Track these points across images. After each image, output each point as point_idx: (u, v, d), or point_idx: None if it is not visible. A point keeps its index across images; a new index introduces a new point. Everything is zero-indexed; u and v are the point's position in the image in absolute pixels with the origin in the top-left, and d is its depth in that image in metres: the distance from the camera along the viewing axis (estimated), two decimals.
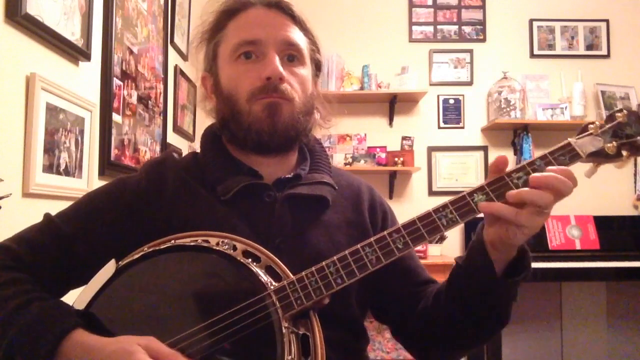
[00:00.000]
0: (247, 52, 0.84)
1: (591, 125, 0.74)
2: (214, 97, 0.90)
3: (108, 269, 0.72)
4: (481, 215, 0.72)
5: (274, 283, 0.69)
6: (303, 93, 0.86)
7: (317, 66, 0.94)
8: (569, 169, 0.69)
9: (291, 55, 0.86)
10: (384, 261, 0.69)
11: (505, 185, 0.70)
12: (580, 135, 0.74)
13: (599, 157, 0.73)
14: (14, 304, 0.68)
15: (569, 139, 0.73)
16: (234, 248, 0.72)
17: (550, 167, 0.69)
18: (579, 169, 0.71)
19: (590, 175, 0.75)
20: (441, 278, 2.97)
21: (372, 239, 0.71)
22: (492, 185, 0.70)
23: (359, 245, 0.70)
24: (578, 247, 3.03)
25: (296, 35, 0.87)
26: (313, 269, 0.69)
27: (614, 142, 0.72)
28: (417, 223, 0.70)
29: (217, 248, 0.71)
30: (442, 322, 0.81)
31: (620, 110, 0.74)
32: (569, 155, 0.71)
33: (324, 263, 0.69)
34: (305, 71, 0.88)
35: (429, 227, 0.70)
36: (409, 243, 0.70)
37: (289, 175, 0.87)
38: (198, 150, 0.95)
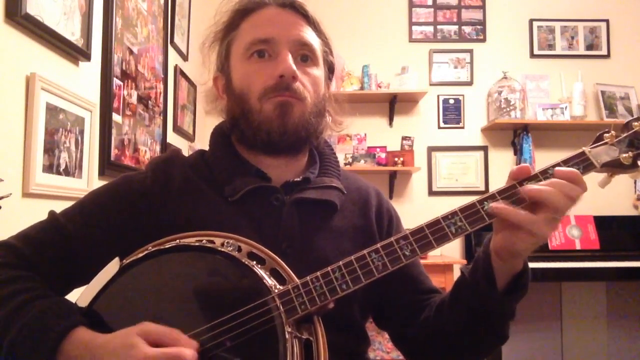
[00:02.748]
0: (260, 51, 0.83)
1: (606, 135, 0.72)
2: (225, 96, 0.89)
3: (111, 268, 0.72)
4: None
5: (278, 286, 0.68)
6: (315, 93, 0.85)
7: (330, 68, 0.93)
8: (576, 171, 0.67)
9: (304, 56, 0.85)
10: (391, 268, 0.68)
11: (517, 193, 0.68)
12: (595, 145, 0.72)
13: (613, 167, 0.71)
14: (17, 301, 0.68)
15: (584, 148, 0.71)
16: (239, 249, 0.71)
17: (558, 169, 0.68)
18: (591, 178, 0.69)
19: (604, 186, 0.73)
20: (441, 278, 2.97)
21: (378, 245, 0.69)
22: (503, 193, 0.69)
23: (365, 251, 0.69)
24: (578, 247, 3.03)
25: (310, 36, 0.86)
26: (318, 273, 0.68)
27: (630, 153, 0.71)
28: (425, 230, 0.69)
29: (222, 249, 0.70)
30: (442, 334, 0.80)
31: (637, 119, 0.72)
32: (583, 164, 0.70)
33: (329, 268, 0.68)
34: (318, 72, 0.87)
35: (437, 234, 0.69)
36: (416, 250, 0.69)
37: (298, 179, 0.86)
38: (199, 149, 0.94)
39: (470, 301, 0.75)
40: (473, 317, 0.75)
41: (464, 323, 0.76)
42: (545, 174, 0.69)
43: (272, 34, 0.83)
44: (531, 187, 0.66)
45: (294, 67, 0.81)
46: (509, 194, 0.69)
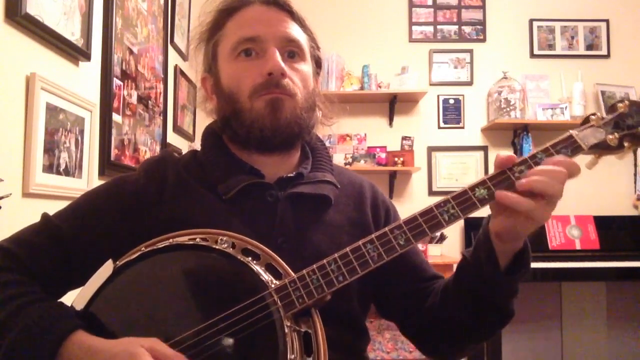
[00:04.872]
0: (247, 50, 0.83)
1: (593, 117, 0.73)
2: (215, 97, 0.89)
3: (105, 270, 0.72)
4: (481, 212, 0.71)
5: (275, 281, 0.68)
6: (305, 89, 0.85)
7: (317, 63, 0.93)
8: (569, 159, 0.68)
9: (292, 52, 0.85)
10: (386, 258, 0.69)
11: (507, 179, 0.69)
12: (582, 127, 0.73)
13: (600, 148, 0.73)
14: (13, 306, 0.68)
15: (571, 131, 0.72)
16: (233, 246, 0.71)
17: (549, 159, 0.69)
18: (579, 161, 0.70)
19: (591, 167, 0.75)
20: None
21: (373, 236, 0.70)
22: (494, 179, 0.70)
23: (360, 242, 0.70)
24: (578, 247, 3.03)
25: (296, 32, 0.86)
26: (314, 266, 0.68)
27: (615, 134, 0.72)
28: (418, 219, 0.70)
29: (216, 246, 0.70)
30: (449, 318, 0.81)
31: (622, 101, 0.73)
32: (571, 147, 0.71)
33: (325, 260, 0.69)
34: (306, 67, 0.87)
35: (430, 222, 0.69)
36: (410, 239, 0.69)
37: (291, 174, 0.86)
38: (191, 149, 0.94)
39: (475, 284, 0.75)
40: (478, 299, 0.76)
41: (469, 305, 0.77)
42: (534, 158, 0.70)
43: (258, 32, 0.83)
44: (523, 181, 0.67)
45: (282, 64, 0.81)
46: (499, 179, 0.70)
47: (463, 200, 0.70)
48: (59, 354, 0.64)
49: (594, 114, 0.74)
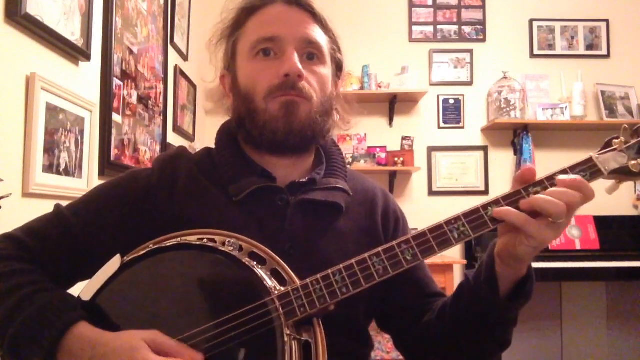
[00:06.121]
0: (266, 49, 0.82)
1: (615, 141, 0.70)
2: (232, 95, 0.88)
3: (113, 264, 0.72)
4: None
5: (278, 288, 0.68)
6: (322, 92, 0.84)
7: (338, 66, 0.91)
8: (580, 178, 0.66)
9: (311, 54, 0.83)
10: (391, 272, 0.68)
11: (522, 199, 0.67)
12: (603, 151, 0.70)
13: (621, 174, 0.70)
14: (20, 294, 0.69)
15: (591, 154, 0.69)
16: (240, 249, 0.71)
17: (560, 178, 0.67)
18: (600, 184, 0.68)
19: (611, 192, 0.72)
20: (441, 278, 2.96)
21: (380, 249, 0.69)
22: (508, 198, 0.68)
23: (366, 255, 0.68)
24: (578, 247, 3.03)
25: (316, 33, 0.85)
26: (319, 276, 0.68)
27: (639, 160, 0.69)
28: (427, 235, 0.68)
29: (223, 248, 0.70)
30: (443, 337, 0.80)
31: None
32: (590, 171, 0.68)
33: (330, 271, 0.68)
34: (325, 70, 0.85)
35: (439, 239, 0.68)
36: (418, 255, 0.68)
37: (304, 180, 0.85)
38: (205, 147, 0.94)
39: (472, 305, 0.74)
40: (474, 322, 0.74)
41: (465, 327, 0.76)
42: (551, 180, 0.68)
43: (277, 32, 0.81)
44: (526, 200, 0.66)
45: (300, 66, 0.80)
46: (513, 199, 0.68)
47: (474, 219, 0.68)
48: (60, 345, 0.65)
49: (616, 137, 0.70)
